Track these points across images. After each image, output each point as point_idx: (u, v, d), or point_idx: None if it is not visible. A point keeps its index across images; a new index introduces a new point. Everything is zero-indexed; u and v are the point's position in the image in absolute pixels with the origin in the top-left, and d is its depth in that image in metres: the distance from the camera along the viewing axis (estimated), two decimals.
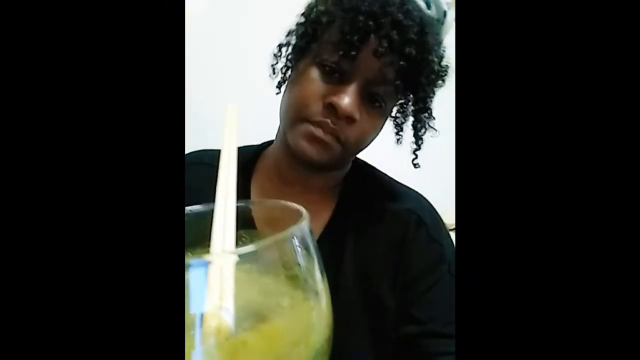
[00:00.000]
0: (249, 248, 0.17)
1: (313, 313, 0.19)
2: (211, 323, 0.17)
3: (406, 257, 0.53)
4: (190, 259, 0.17)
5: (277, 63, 0.56)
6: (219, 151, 0.70)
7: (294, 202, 0.23)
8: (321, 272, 0.19)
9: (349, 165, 0.60)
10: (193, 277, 0.17)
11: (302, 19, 0.54)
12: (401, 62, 0.47)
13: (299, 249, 0.19)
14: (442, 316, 0.49)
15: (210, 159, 0.64)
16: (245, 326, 0.18)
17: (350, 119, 0.48)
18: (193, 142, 0.59)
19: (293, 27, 0.55)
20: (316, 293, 0.19)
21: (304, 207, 0.21)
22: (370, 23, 0.46)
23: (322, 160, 0.49)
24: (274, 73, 0.57)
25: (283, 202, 0.22)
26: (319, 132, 0.48)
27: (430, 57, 0.49)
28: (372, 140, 0.54)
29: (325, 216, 0.57)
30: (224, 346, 0.17)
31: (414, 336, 0.50)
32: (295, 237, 0.19)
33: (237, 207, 0.22)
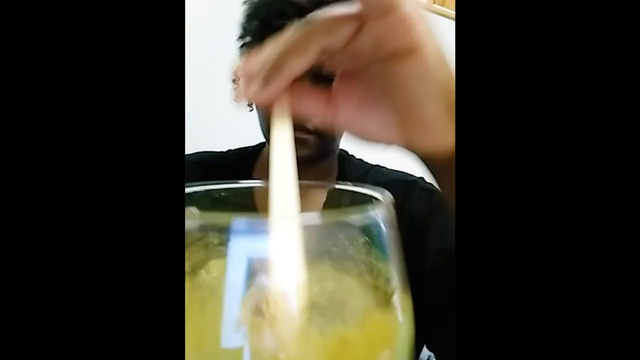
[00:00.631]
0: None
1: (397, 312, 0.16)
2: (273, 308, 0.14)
3: (409, 209, 0.55)
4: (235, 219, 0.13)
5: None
6: (220, 152, 0.71)
7: None
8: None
9: (336, 152, 0.61)
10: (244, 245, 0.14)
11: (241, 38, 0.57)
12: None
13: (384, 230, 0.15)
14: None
15: (211, 158, 0.64)
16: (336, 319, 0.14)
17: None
18: (193, 144, 0.59)
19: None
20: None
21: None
22: (280, 14, 0.48)
23: (307, 155, 0.53)
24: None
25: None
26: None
27: None
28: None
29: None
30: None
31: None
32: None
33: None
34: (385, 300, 0.14)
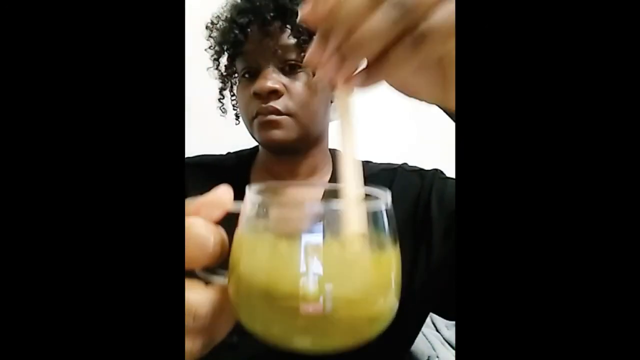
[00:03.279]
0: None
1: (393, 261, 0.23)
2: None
3: (398, 186, 0.58)
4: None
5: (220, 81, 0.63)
6: (219, 155, 0.72)
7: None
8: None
9: (325, 145, 0.63)
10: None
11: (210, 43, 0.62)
12: (287, 25, 0.53)
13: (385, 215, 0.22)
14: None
15: (210, 161, 0.65)
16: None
17: (275, 93, 0.53)
18: (192, 146, 0.59)
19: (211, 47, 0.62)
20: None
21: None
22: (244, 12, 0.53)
23: (286, 137, 0.54)
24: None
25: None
26: (266, 117, 0.53)
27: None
28: (321, 104, 0.57)
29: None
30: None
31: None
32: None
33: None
34: (382, 249, 0.22)
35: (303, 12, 0.23)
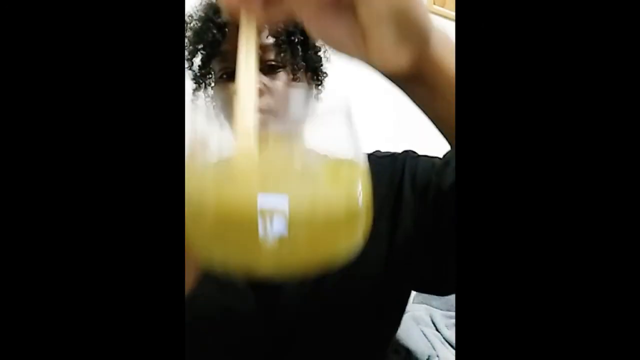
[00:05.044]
0: None
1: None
2: None
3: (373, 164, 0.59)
4: None
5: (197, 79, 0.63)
6: None
7: None
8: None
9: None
10: None
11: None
12: (265, 25, 0.52)
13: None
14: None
15: None
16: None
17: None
18: None
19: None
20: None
21: None
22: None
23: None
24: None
25: None
26: None
27: None
28: (304, 101, 0.58)
29: None
30: None
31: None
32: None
33: None
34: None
35: None
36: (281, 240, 0.18)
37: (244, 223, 0.18)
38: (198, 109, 0.22)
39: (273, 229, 0.18)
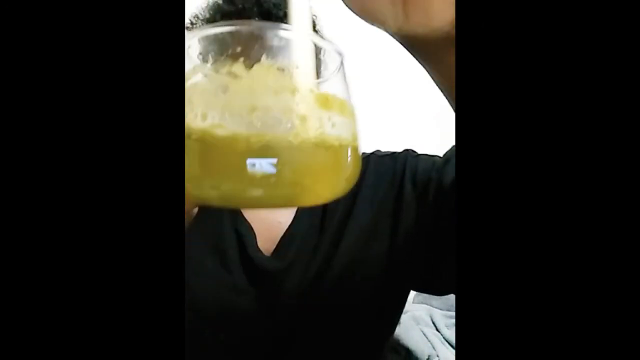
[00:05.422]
0: None
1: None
2: None
3: (372, 164, 0.59)
4: None
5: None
6: None
7: None
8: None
9: None
10: None
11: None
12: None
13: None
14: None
15: None
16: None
17: None
18: None
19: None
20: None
21: None
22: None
23: None
24: None
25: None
26: None
27: None
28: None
29: None
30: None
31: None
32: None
33: None
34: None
35: None
36: (269, 175, 0.18)
37: (232, 162, 0.18)
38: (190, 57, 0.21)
39: (261, 169, 0.18)
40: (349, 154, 0.21)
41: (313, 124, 0.19)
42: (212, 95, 0.19)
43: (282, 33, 0.19)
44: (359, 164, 0.22)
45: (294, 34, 0.20)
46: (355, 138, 0.21)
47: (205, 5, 0.59)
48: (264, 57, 0.19)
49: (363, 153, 0.64)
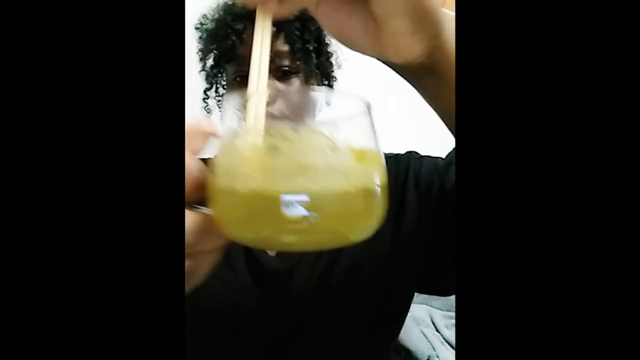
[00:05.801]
0: None
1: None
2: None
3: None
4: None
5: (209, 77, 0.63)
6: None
7: None
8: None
9: None
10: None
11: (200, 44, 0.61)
12: (281, 32, 0.53)
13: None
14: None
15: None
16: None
17: (270, 99, 0.52)
18: None
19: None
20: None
21: None
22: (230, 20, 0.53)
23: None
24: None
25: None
26: None
27: None
28: (311, 105, 0.58)
29: None
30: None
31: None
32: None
33: None
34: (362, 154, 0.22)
35: None
36: (303, 218, 0.20)
37: (269, 208, 0.20)
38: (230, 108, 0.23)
39: (295, 212, 0.20)
40: (379, 195, 0.23)
41: (352, 177, 0.21)
42: (264, 155, 0.22)
43: (320, 96, 0.22)
44: (387, 200, 0.24)
45: (332, 98, 0.23)
46: (383, 178, 0.23)
47: (215, 5, 0.59)
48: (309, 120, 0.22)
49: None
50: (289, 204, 0.20)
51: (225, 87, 0.62)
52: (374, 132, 0.23)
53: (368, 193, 0.22)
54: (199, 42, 0.61)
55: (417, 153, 0.61)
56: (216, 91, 0.65)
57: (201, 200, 0.23)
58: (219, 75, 0.61)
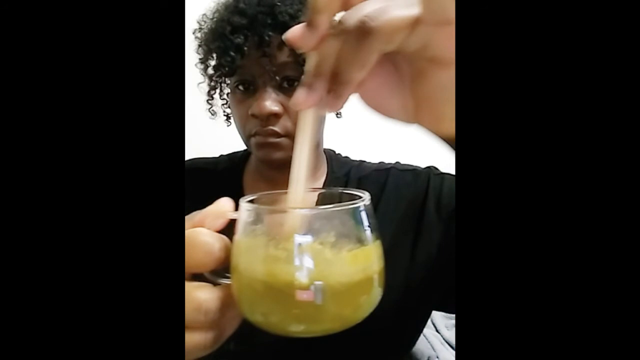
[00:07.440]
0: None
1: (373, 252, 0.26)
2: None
3: (392, 185, 0.59)
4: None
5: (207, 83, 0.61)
6: (212, 158, 0.72)
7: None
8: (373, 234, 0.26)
9: (318, 150, 0.63)
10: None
11: (199, 47, 0.59)
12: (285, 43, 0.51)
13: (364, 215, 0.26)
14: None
15: (204, 165, 0.65)
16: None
17: (275, 116, 0.52)
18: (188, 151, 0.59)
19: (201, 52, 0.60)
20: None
21: None
22: (239, 23, 0.51)
23: (285, 157, 0.54)
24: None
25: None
26: (264, 139, 0.54)
27: None
28: (322, 119, 0.58)
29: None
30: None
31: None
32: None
33: None
34: (361, 243, 0.25)
35: (293, 35, 0.23)
36: (314, 306, 0.23)
37: (282, 292, 0.23)
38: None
39: (305, 298, 0.23)
40: (378, 279, 0.26)
41: (354, 274, 0.24)
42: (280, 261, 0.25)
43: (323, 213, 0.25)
44: (383, 280, 0.26)
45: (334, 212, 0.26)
46: (380, 262, 0.26)
47: (213, 12, 0.57)
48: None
49: (383, 164, 0.64)
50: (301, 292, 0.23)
51: (228, 95, 0.61)
52: (373, 216, 0.26)
53: (367, 280, 0.25)
54: (198, 44, 0.59)
55: (436, 168, 0.60)
56: (220, 92, 0.64)
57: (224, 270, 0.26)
58: (220, 78, 0.60)
